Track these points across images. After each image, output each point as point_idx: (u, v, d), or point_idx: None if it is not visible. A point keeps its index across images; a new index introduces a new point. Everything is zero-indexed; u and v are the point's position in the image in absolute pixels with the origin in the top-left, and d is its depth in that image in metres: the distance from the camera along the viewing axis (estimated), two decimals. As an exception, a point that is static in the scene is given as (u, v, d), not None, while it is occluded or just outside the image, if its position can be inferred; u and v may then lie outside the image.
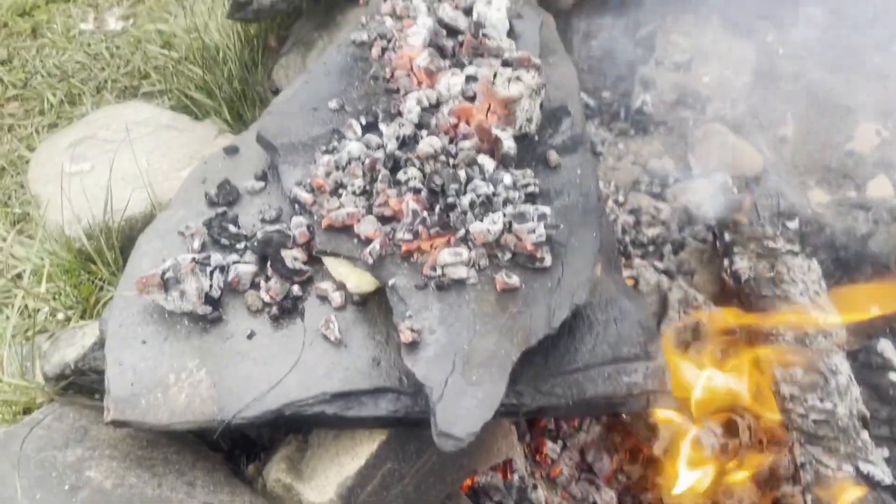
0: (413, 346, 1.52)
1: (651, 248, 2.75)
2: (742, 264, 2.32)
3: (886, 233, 2.69)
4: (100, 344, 1.83)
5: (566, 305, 1.58)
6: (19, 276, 2.57)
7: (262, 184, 1.98)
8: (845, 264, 2.60)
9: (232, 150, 2.11)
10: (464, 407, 1.42)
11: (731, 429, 2.11)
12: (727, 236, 2.46)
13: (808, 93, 3.50)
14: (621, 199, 3.07)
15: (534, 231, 1.64)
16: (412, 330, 1.52)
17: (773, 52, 3.72)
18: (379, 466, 1.64)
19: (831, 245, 2.68)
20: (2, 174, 3.06)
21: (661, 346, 1.68)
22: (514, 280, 1.61)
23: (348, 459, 1.65)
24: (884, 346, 2.37)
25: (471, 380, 1.46)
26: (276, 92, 2.91)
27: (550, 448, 2.13)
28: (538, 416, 1.70)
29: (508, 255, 1.67)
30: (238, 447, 1.89)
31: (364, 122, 1.98)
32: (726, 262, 2.39)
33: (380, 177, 1.78)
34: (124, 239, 2.39)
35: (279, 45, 3.03)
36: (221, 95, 2.96)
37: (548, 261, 1.65)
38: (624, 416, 2.18)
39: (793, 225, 2.53)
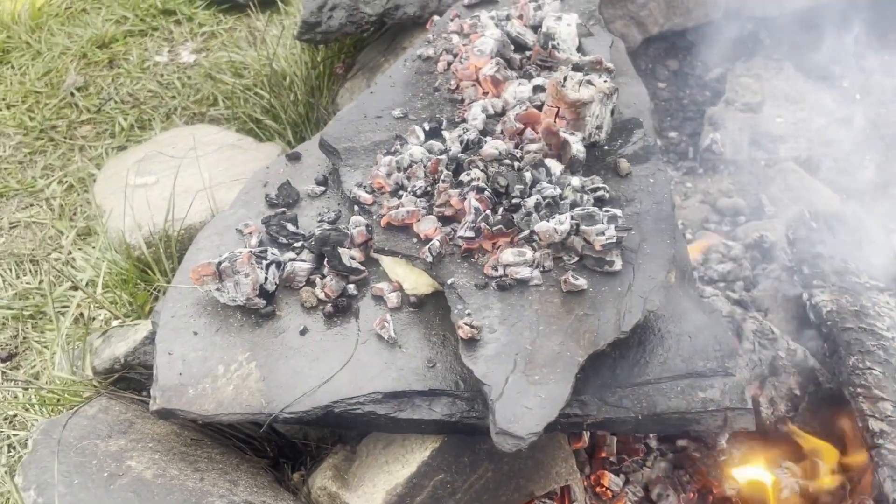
0: (471, 343, 1.44)
1: (722, 285, 2.62)
2: (822, 297, 2.17)
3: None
4: (150, 338, 1.80)
5: (638, 310, 1.48)
6: (76, 287, 2.58)
7: (322, 188, 1.95)
8: (935, 307, 2.42)
9: (294, 157, 2.09)
10: (524, 406, 1.32)
11: (812, 469, 1.94)
12: (806, 269, 2.31)
13: (890, 138, 3.36)
14: (689, 236, 2.95)
15: (603, 233, 1.55)
16: (471, 326, 1.44)
17: (851, 97, 3.60)
18: (430, 476, 1.53)
19: (919, 287, 2.51)
20: (70, 191, 3.11)
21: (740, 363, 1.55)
22: (582, 282, 1.52)
23: (398, 467, 1.55)
24: (981, 391, 2.17)
25: (533, 379, 1.36)
26: (340, 115, 2.91)
27: (612, 481, 1.98)
28: (604, 429, 1.58)
29: (575, 258, 1.58)
30: (284, 455, 1.81)
31: (427, 128, 1.94)
32: (805, 295, 2.24)
33: (442, 178, 1.73)
34: (183, 249, 2.37)
35: (346, 73, 3.06)
36: (287, 119, 2.99)
37: (618, 264, 1.55)
38: (694, 452, 2.03)
39: (878, 262, 2.37)
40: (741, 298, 2.32)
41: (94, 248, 2.65)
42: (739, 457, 2.02)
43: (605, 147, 1.86)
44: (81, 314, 2.47)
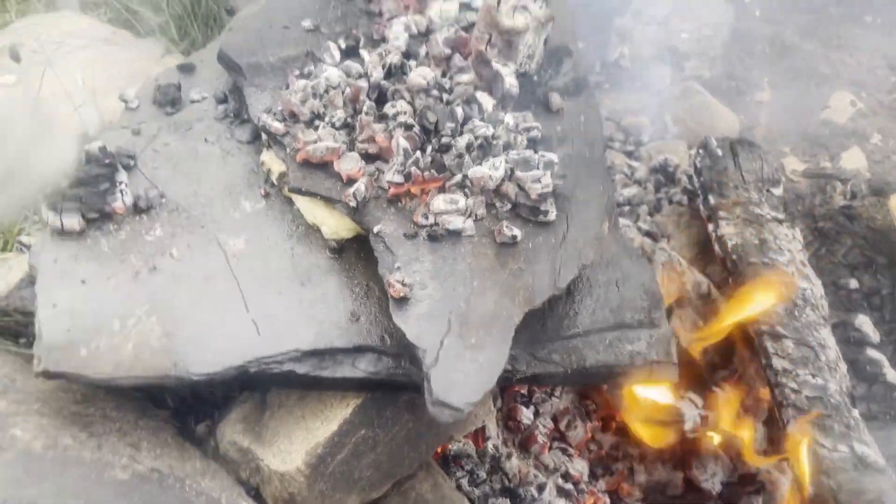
0: (403, 301, 1.34)
1: (627, 209, 2.63)
2: (728, 230, 2.20)
3: (863, 205, 2.64)
4: (28, 281, 1.59)
5: (573, 264, 1.43)
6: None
7: (224, 106, 1.75)
8: (824, 235, 2.54)
9: (187, 69, 1.86)
10: (462, 372, 1.25)
11: (712, 400, 2.02)
12: (712, 200, 2.34)
13: (785, 58, 3.42)
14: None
15: (539, 180, 1.46)
16: (403, 284, 1.34)
17: (751, 13, 3.61)
18: (352, 433, 1.46)
19: (810, 215, 2.61)
20: None
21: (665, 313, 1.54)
22: (516, 233, 1.44)
23: (317, 424, 1.47)
24: (861, 321, 2.31)
25: (469, 342, 1.29)
26: (230, 11, 2.62)
27: (524, 415, 1.99)
28: (533, 383, 1.56)
29: (508, 206, 1.50)
30: (186, 404, 1.68)
31: (343, 46, 1.76)
32: (711, 226, 2.28)
33: (364, 108, 1.57)
34: (55, 163, 2.10)
35: (237, -42, 2.73)
36: (168, 11, 2.65)
37: (552, 214, 1.48)
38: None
39: (777, 192, 2.43)
40: (651, 230, 2.33)
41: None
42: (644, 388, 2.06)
43: (535, 78, 1.75)
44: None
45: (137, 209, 1.54)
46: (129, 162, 1.60)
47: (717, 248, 2.24)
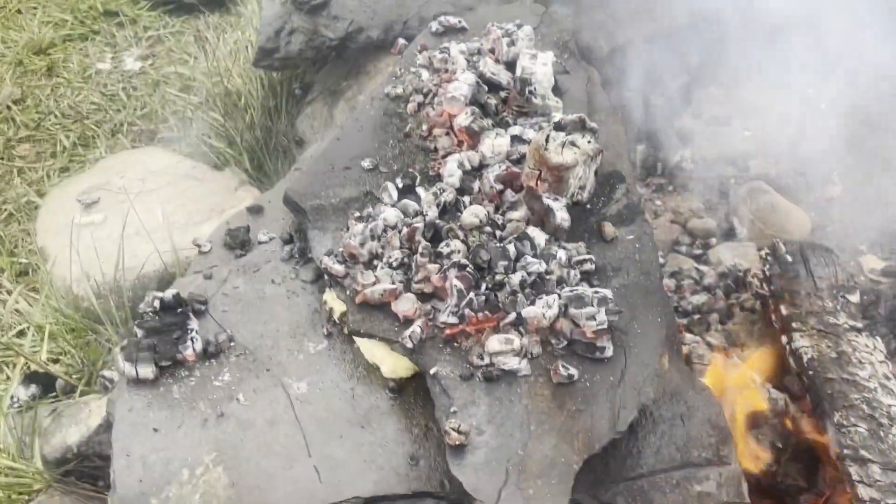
0: (460, 449, 1.34)
1: (696, 317, 2.57)
2: (803, 343, 2.12)
3: (951, 306, 2.51)
4: (105, 426, 1.66)
5: (632, 404, 1.41)
6: (22, 332, 2.41)
7: (289, 247, 1.83)
8: (909, 341, 2.41)
9: (256, 210, 1.96)
10: (521, 528, 1.23)
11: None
12: (784, 310, 2.27)
13: (855, 150, 3.34)
14: (661, 259, 2.89)
15: (593, 317, 1.46)
16: (459, 432, 1.34)
17: (816, 106, 3.57)
18: (414, 581, 1.44)
19: (892, 318, 2.49)
20: (9, 220, 2.91)
21: (736, 449, 1.49)
22: (573, 372, 1.43)
23: (380, 571, 1.46)
24: (958, 435, 2.17)
25: (528, 493, 1.28)
26: (299, 142, 2.77)
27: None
28: (597, 528, 1.51)
29: (564, 343, 1.49)
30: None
31: (400, 184, 1.82)
32: (785, 339, 2.21)
33: (419, 248, 1.62)
34: (136, 299, 2.22)
35: (304, 93, 2.90)
36: (242, 144, 2.83)
37: (609, 350, 1.47)
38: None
39: (854, 298, 2.34)
40: (721, 344, 2.28)
41: (36, 291, 2.49)
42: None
43: (588, 206, 1.77)
44: (27, 366, 2.30)
45: (207, 354, 1.61)
46: (200, 308, 1.68)
47: (792, 362, 2.16)
